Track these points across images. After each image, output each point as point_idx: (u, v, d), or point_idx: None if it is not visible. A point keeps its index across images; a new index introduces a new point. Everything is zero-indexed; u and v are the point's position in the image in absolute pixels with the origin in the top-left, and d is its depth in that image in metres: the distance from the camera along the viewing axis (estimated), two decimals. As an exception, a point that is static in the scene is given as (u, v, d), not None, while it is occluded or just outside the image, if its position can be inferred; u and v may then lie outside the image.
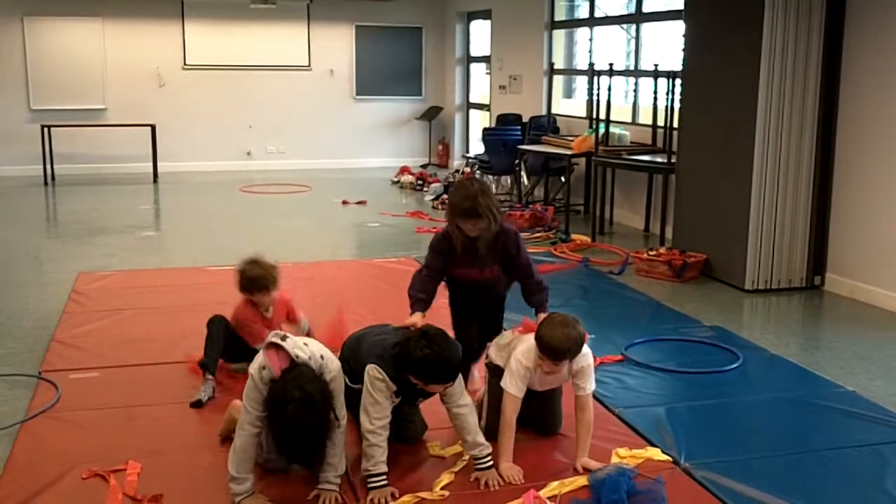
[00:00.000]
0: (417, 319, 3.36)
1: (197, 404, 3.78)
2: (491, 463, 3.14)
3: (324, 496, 2.96)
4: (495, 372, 3.37)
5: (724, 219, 6.11)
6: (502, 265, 3.62)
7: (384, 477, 2.99)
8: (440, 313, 3.78)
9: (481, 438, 3.16)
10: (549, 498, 2.97)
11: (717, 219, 6.19)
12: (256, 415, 2.88)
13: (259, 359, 2.92)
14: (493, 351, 3.47)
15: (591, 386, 3.25)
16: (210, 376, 3.92)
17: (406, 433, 3.37)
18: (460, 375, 3.14)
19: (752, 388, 4.16)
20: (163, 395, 3.91)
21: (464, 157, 11.86)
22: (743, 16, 5.82)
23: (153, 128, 11.07)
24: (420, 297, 3.51)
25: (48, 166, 10.81)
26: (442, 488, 3.05)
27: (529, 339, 3.22)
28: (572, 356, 3.12)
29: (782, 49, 5.69)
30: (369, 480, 2.97)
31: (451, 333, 3.27)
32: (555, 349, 3.06)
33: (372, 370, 3.03)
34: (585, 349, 3.20)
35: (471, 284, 3.69)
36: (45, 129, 10.75)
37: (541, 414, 3.49)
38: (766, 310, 5.75)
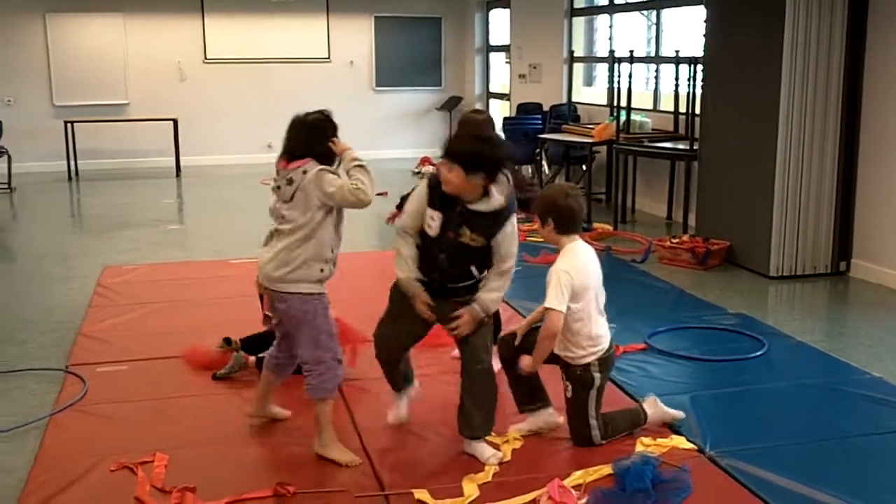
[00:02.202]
0: None
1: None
2: (475, 307, 3.17)
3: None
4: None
5: (748, 205, 6.06)
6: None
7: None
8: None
9: (490, 296, 3.19)
10: (573, 487, 2.97)
11: (741, 205, 6.14)
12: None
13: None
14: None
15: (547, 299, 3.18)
16: None
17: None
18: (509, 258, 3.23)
19: (777, 376, 4.14)
20: (189, 388, 3.95)
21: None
22: (765, 0, 5.76)
23: (175, 122, 11.13)
24: None
25: (72, 162, 10.89)
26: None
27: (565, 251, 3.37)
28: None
29: (805, 33, 5.63)
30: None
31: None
32: None
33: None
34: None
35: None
36: (69, 125, 10.83)
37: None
38: (790, 296, 5.71)
